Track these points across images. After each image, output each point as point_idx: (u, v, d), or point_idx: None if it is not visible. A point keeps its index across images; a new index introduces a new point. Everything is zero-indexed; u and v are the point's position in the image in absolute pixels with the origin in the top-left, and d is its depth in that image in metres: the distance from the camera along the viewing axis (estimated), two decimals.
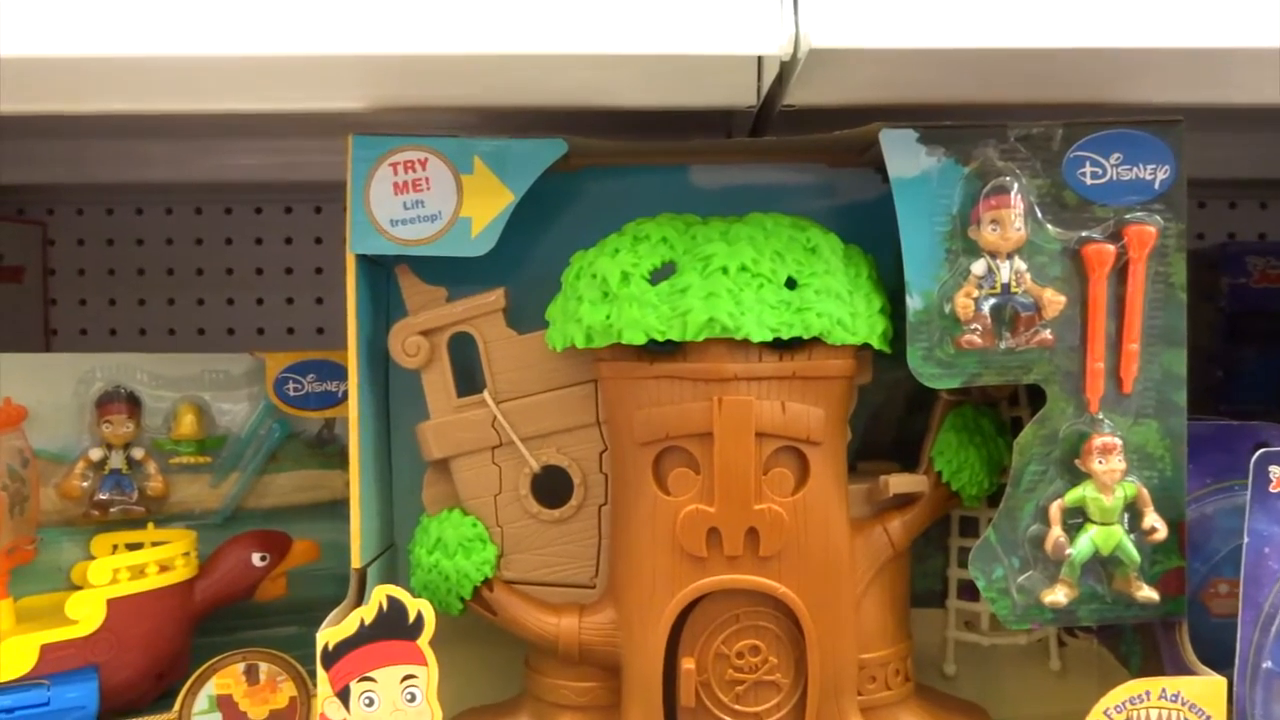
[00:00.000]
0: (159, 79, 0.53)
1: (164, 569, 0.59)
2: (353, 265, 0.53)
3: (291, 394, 0.65)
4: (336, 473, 0.69)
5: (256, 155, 0.85)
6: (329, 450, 0.69)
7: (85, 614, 0.56)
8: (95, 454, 0.63)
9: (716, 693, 0.49)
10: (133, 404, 0.64)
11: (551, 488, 0.54)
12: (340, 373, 0.66)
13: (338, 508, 0.69)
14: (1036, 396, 0.52)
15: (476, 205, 0.53)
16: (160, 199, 0.94)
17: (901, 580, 0.54)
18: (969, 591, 0.57)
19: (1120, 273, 0.50)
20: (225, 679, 0.58)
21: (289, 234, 0.94)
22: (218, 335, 0.94)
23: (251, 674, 0.58)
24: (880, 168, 0.55)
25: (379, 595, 0.48)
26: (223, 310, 0.94)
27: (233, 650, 0.58)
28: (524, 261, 0.57)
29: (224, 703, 0.58)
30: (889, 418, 0.59)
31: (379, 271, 0.57)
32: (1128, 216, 0.50)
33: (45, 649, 0.55)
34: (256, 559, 0.62)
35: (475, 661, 0.57)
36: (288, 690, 0.59)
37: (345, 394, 0.66)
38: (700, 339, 0.48)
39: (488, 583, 0.53)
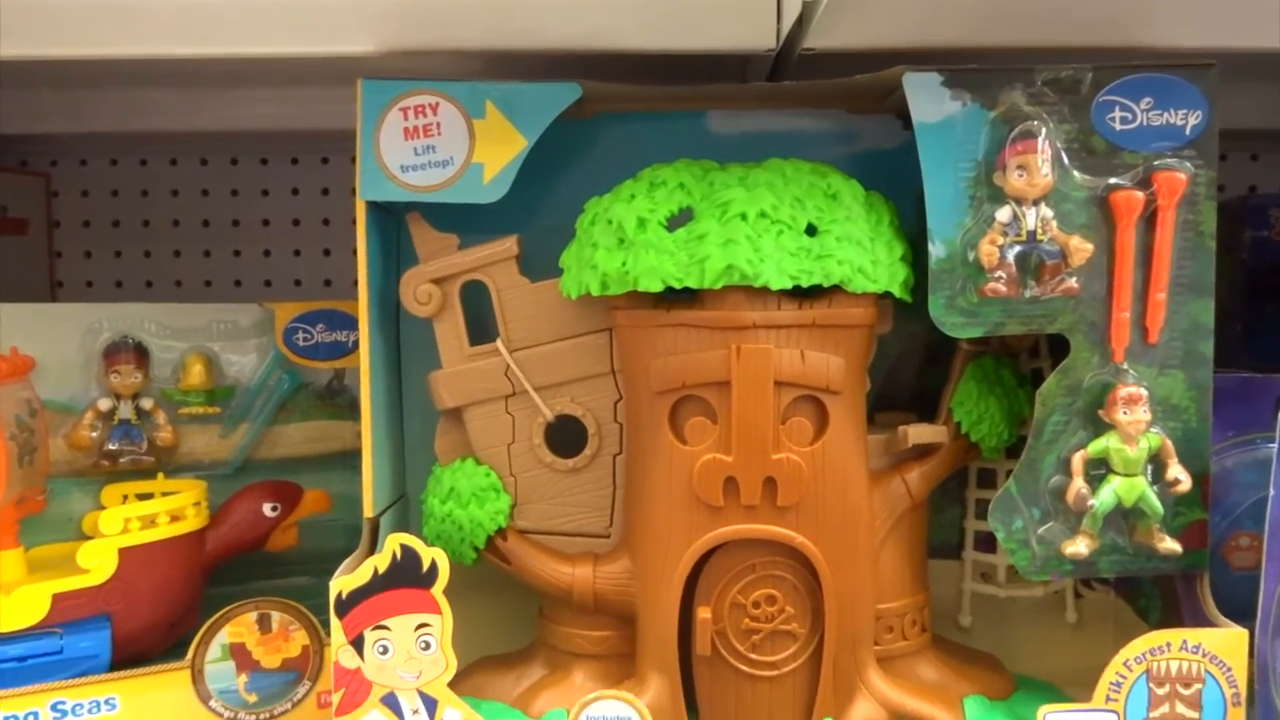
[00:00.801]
0: (163, 21, 0.52)
1: (175, 519, 0.59)
2: (363, 212, 0.52)
3: (301, 344, 0.64)
4: (346, 424, 0.69)
5: (262, 105, 0.83)
6: (338, 401, 0.69)
7: (97, 563, 0.56)
8: (104, 404, 0.63)
9: (732, 642, 0.49)
10: (140, 354, 0.63)
11: (565, 437, 0.54)
12: (349, 322, 0.65)
13: (347, 458, 0.68)
14: (1057, 349, 0.51)
15: (489, 151, 0.51)
16: (165, 150, 0.93)
17: (919, 531, 0.54)
18: (985, 543, 0.57)
19: (1148, 221, 0.49)
20: (238, 628, 0.58)
21: (295, 185, 0.92)
22: (225, 287, 0.93)
23: (264, 623, 0.58)
24: (901, 114, 0.54)
25: (392, 544, 0.47)
26: (230, 262, 0.93)
27: (245, 600, 0.58)
28: (537, 209, 0.56)
29: (237, 651, 0.58)
30: (907, 369, 0.58)
31: (389, 219, 0.56)
32: (1157, 163, 0.49)
33: (57, 598, 0.55)
34: (268, 509, 0.62)
35: (488, 611, 0.56)
36: (300, 639, 0.59)
37: (355, 344, 0.65)
38: (718, 286, 0.47)
39: (501, 532, 0.53)
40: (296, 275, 0.93)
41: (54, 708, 0.54)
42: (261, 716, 0.58)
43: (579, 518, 0.54)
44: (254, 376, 0.66)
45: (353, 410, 0.69)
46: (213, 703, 0.57)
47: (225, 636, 0.57)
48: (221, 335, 0.66)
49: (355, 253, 0.92)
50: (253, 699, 0.58)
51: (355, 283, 0.93)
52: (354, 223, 0.93)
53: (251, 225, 0.93)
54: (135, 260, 0.93)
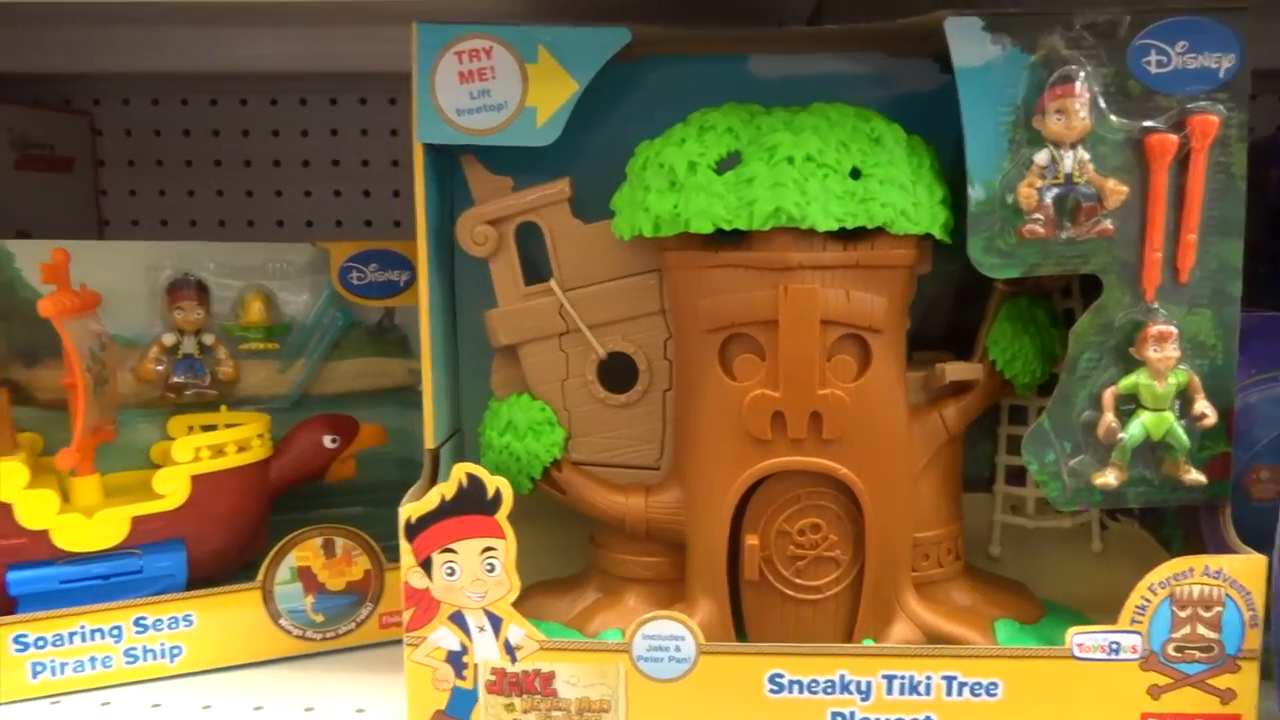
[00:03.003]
0: None
1: (242, 449, 0.62)
2: (420, 155, 0.54)
3: (355, 283, 0.66)
4: (396, 360, 0.71)
5: (301, 44, 0.85)
6: (389, 339, 0.71)
7: (172, 489, 0.59)
8: (168, 339, 0.65)
9: (778, 567, 0.52)
10: (201, 291, 0.65)
11: (616, 373, 0.56)
12: (401, 262, 0.67)
13: (397, 394, 0.71)
14: (1089, 290, 0.53)
15: (542, 94, 0.53)
16: (205, 90, 0.94)
17: (955, 464, 0.56)
18: (1016, 478, 0.59)
19: (1181, 163, 0.51)
20: (305, 552, 0.61)
21: (334, 126, 0.94)
22: (267, 226, 0.95)
23: (329, 548, 0.61)
24: (940, 58, 0.55)
25: (458, 473, 0.50)
26: (272, 202, 0.95)
27: (310, 526, 0.61)
28: (585, 150, 0.57)
29: (304, 574, 0.61)
30: (942, 308, 0.60)
31: (441, 160, 0.58)
32: (1190, 106, 0.50)
33: (136, 521, 0.58)
34: (328, 441, 0.65)
35: (542, 539, 0.59)
36: (362, 564, 0.62)
37: (406, 283, 0.67)
38: (766, 228, 0.49)
39: (556, 464, 0.55)
40: (336, 215, 0.95)
41: (136, 622, 0.58)
42: (327, 634, 0.62)
43: (630, 450, 0.56)
44: (309, 314, 0.69)
45: (402, 348, 0.71)
46: (282, 621, 0.61)
47: (293, 560, 0.61)
48: (277, 274, 0.68)
49: (394, 193, 0.95)
50: (319, 619, 0.61)
51: (395, 222, 0.95)
52: (393, 164, 0.95)
53: (292, 165, 0.94)
54: (179, 199, 0.96)
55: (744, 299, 0.50)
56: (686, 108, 0.54)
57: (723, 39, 0.58)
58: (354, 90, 0.93)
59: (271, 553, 0.60)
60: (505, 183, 0.56)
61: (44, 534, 0.56)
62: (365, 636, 0.63)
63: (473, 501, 0.50)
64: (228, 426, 0.65)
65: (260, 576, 0.60)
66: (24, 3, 0.55)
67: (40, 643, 0.56)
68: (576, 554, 0.60)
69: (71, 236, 0.88)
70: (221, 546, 0.61)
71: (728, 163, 0.51)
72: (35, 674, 0.56)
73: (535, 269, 0.57)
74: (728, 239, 0.51)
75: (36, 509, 0.56)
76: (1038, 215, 0.50)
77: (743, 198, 0.49)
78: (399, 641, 0.62)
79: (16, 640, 0.56)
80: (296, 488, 0.66)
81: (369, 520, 0.64)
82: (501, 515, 0.50)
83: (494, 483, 0.50)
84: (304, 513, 0.67)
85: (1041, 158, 0.50)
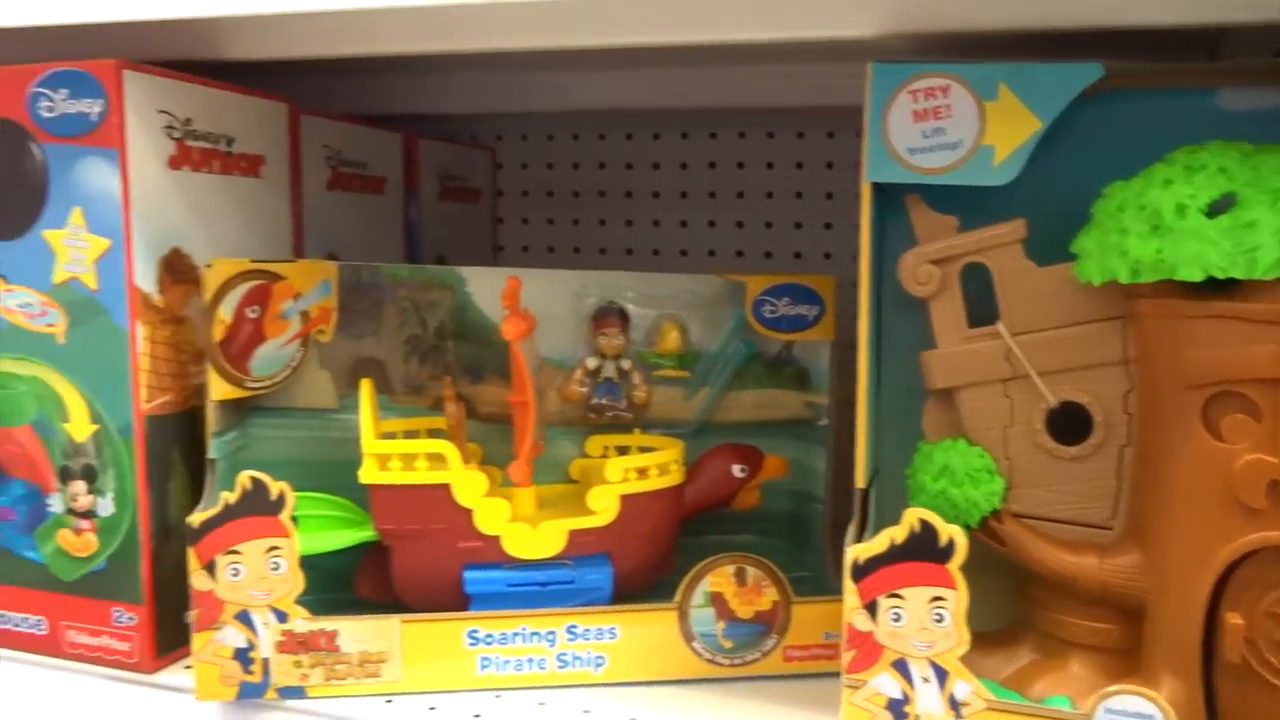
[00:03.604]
0: (641, 11, 0.56)
1: (663, 472, 0.64)
2: (868, 194, 0.54)
3: (767, 315, 0.68)
4: (792, 393, 0.72)
5: (680, 82, 0.89)
6: (785, 371, 0.72)
7: (603, 506, 0.62)
8: (591, 363, 0.69)
9: (1264, 653, 0.47)
10: (623, 318, 0.69)
11: (1064, 423, 0.53)
12: (812, 297, 0.68)
13: (792, 426, 0.72)
14: None
15: (1000, 133, 0.52)
16: (593, 124, 1.00)
17: None
18: None
19: None
20: (718, 578, 0.62)
21: (712, 159, 0.97)
22: (644, 254, 1.00)
23: (740, 576, 0.63)
24: None
25: (910, 518, 0.49)
26: (648, 231, 0.99)
27: (720, 554, 0.63)
28: (1036, 190, 0.55)
29: (716, 599, 0.62)
30: None
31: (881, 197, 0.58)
32: None
33: (572, 534, 0.62)
34: (737, 470, 0.66)
35: None
36: (770, 595, 0.63)
37: (815, 318, 0.68)
38: (1270, 278, 0.45)
39: (996, 514, 0.53)
40: (709, 246, 0.98)
41: (569, 630, 0.61)
42: (734, 661, 0.63)
43: (1077, 506, 0.53)
44: (716, 343, 0.71)
45: (798, 381, 0.72)
46: (695, 643, 0.62)
47: (707, 585, 0.62)
48: (687, 304, 0.71)
49: (765, 225, 0.97)
50: (729, 645, 0.63)
51: (763, 254, 0.97)
52: (767, 196, 0.97)
53: (669, 194, 0.98)
54: (564, 227, 1.02)
55: (1239, 354, 0.46)
56: (1150, 144, 0.51)
57: (1192, 72, 0.55)
58: (759, 124, 0.95)
59: (689, 576, 0.62)
60: (951, 222, 0.55)
61: (496, 540, 0.61)
62: (768, 667, 0.63)
63: (923, 548, 0.49)
64: (640, 450, 0.68)
65: (677, 598, 0.62)
66: (440, 54, 0.61)
67: (489, 639, 0.61)
68: (986, 605, 0.57)
69: (470, 261, 0.96)
70: (640, 565, 0.64)
71: (1219, 205, 0.47)
72: (482, 668, 0.61)
73: (972, 311, 0.55)
74: (1216, 288, 0.47)
75: (493, 516, 0.61)
76: None
77: (1241, 244, 0.45)
78: (801, 676, 0.62)
79: (470, 635, 0.60)
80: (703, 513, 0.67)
81: (758, 550, 0.65)
82: (954, 565, 0.49)
83: (948, 531, 0.49)
84: (696, 537, 0.69)
85: None
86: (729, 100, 0.88)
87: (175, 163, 0.61)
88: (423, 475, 0.60)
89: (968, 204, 0.55)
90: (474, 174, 0.99)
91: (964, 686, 0.49)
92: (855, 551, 0.50)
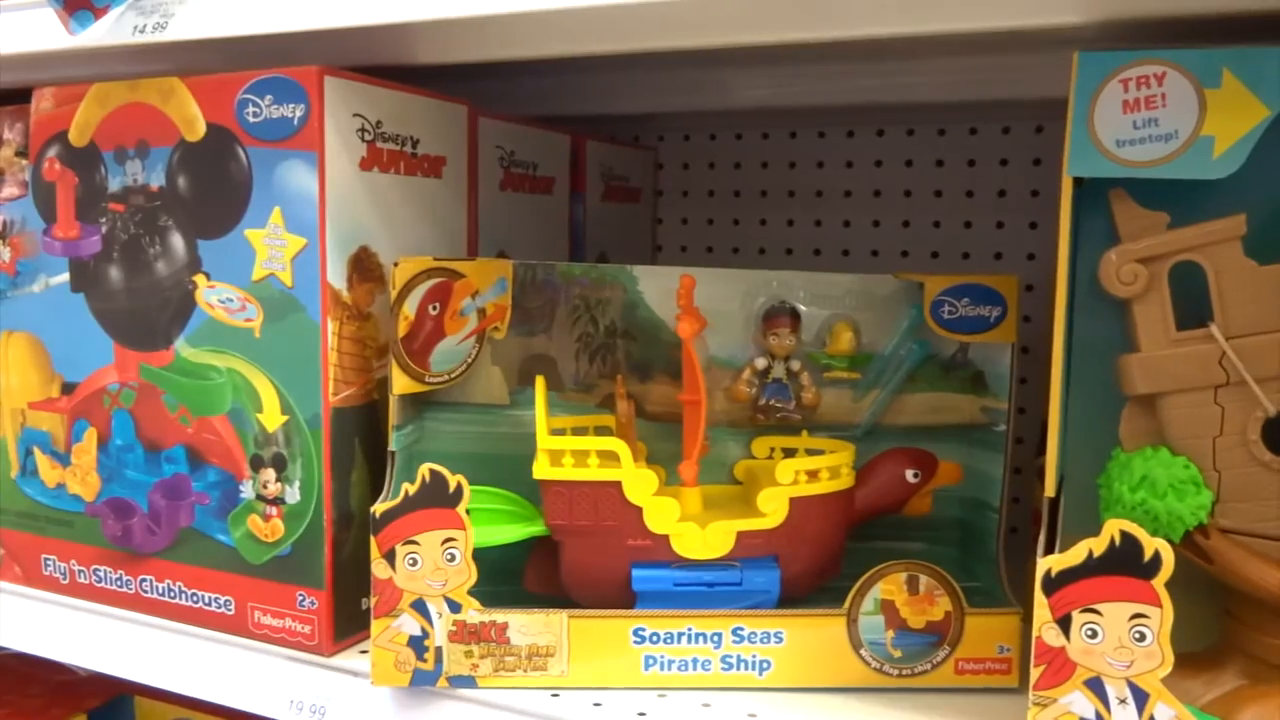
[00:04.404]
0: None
1: (833, 476, 0.63)
2: (1069, 188, 0.51)
3: (945, 316, 0.65)
4: (967, 397, 0.69)
5: (841, 79, 0.87)
6: (960, 374, 0.69)
7: (773, 508, 0.61)
8: (760, 363, 0.68)
9: None
10: (795, 318, 0.68)
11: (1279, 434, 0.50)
12: (994, 297, 0.65)
13: (965, 431, 0.69)
14: None
15: (1221, 122, 0.48)
16: (756, 123, 0.99)
17: None
18: None
19: None
20: (889, 585, 0.61)
21: (878, 158, 0.95)
22: (804, 254, 0.98)
23: (912, 584, 0.61)
24: None
25: (1111, 529, 0.47)
26: (810, 230, 0.97)
27: (892, 560, 0.61)
28: (1254, 184, 0.51)
29: (886, 607, 0.61)
30: None
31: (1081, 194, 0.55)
32: None
33: (740, 535, 0.61)
34: (910, 475, 0.64)
35: None
36: (944, 604, 0.61)
37: (996, 319, 0.65)
38: None
39: (1202, 528, 0.50)
40: (873, 245, 0.96)
41: (734, 632, 0.61)
42: (903, 671, 0.61)
43: None
44: (888, 344, 0.69)
45: (973, 384, 0.69)
46: (863, 651, 0.61)
47: (878, 592, 0.61)
48: (859, 304, 0.69)
49: (934, 225, 0.94)
50: (898, 654, 0.61)
51: (929, 254, 0.94)
52: (936, 195, 0.94)
53: (835, 195, 0.97)
54: (724, 227, 1.02)
55: None
56: None
57: None
58: (931, 120, 0.93)
59: (859, 582, 0.60)
60: (1160, 219, 0.52)
61: (665, 539, 0.61)
62: (939, 679, 0.61)
63: (1125, 561, 0.46)
64: (808, 452, 0.66)
65: (846, 604, 0.61)
66: (606, 55, 0.61)
67: (654, 638, 0.60)
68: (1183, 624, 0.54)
69: (629, 260, 0.97)
70: (807, 569, 0.63)
71: None
72: (647, 666, 0.61)
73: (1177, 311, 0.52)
74: None
75: (662, 515, 0.61)
76: None
77: None
78: (972, 690, 0.60)
79: (635, 633, 0.61)
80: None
81: (928, 558, 0.63)
82: (1159, 581, 0.46)
83: (1152, 544, 0.46)
84: (863, 542, 0.67)
85: None
86: (898, 96, 0.85)
87: (366, 164, 0.64)
88: (595, 472, 0.61)
89: (1175, 199, 0.52)
90: (636, 174, 1.00)
91: (1166, 710, 0.46)
92: (1049, 563, 0.48)
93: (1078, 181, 0.53)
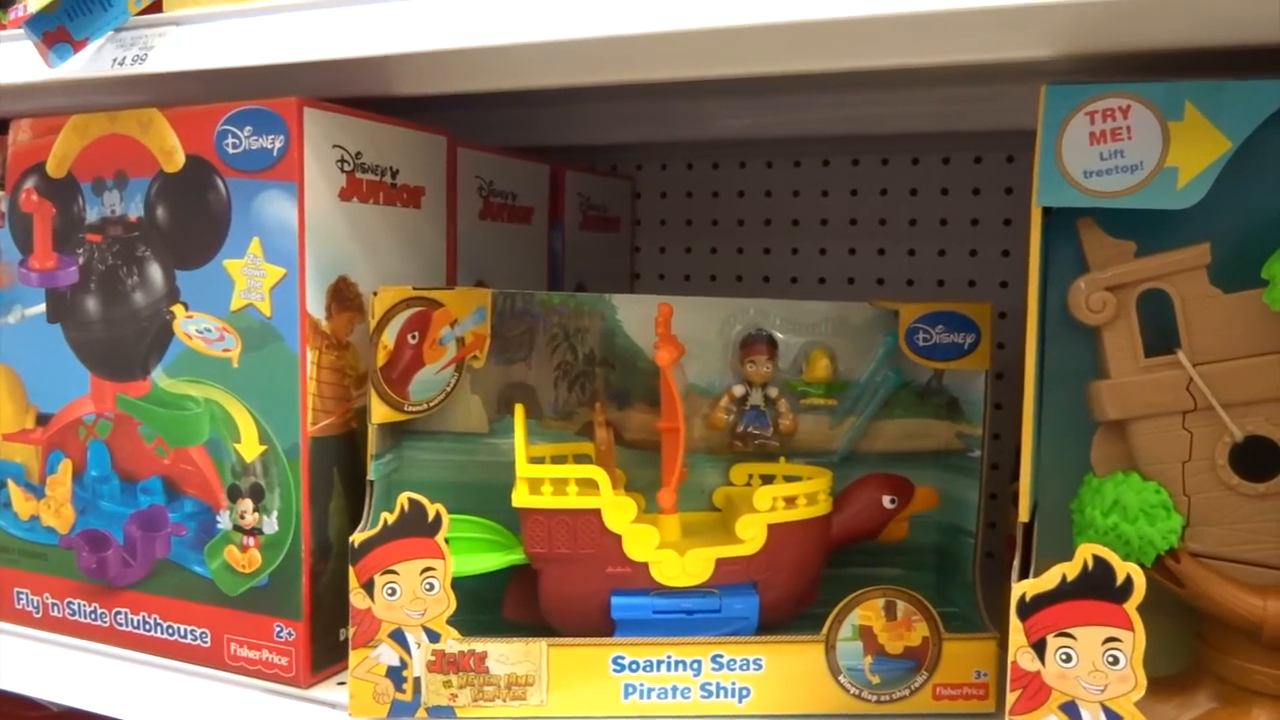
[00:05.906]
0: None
1: (810, 502, 0.63)
2: (1038, 218, 0.52)
3: (920, 343, 0.66)
4: (942, 423, 0.70)
5: (821, 109, 0.88)
6: (935, 400, 0.70)
7: (751, 535, 0.62)
8: (738, 390, 0.69)
9: None
10: (772, 346, 0.69)
11: (1250, 459, 0.51)
12: (968, 325, 0.66)
13: (940, 457, 0.70)
14: None
15: (1185, 154, 0.49)
16: (733, 153, 1.00)
17: None
18: None
19: None
20: (867, 611, 0.61)
21: (854, 186, 0.96)
22: (781, 282, 0.99)
23: (890, 610, 0.61)
24: None
25: (1084, 554, 0.47)
26: (787, 258, 0.98)
27: (870, 586, 0.61)
28: (1217, 213, 0.52)
29: (865, 633, 0.61)
30: None
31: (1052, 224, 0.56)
32: None
33: (719, 562, 0.61)
34: (886, 501, 0.65)
35: None
36: (921, 630, 0.61)
37: (970, 346, 0.66)
38: None
39: (1173, 553, 0.51)
40: (849, 274, 0.97)
41: (714, 659, 0.61)
42: (882, 698, 0.61)
43: (1264, 547, 0.50)
44: (864, 371, 0.70)
45: (948, 410, 0.70)
46: (841, 677, 0.61)
47: (856, 618, 0.61)
48: (835, 331, 0.70)
49: (909, 253, 0.95)
50: (876, 680, 0.61)
51: (905, 282, 0.95)
52: (911, 223, 0.95)
53: (811, 224, 0.98)
54: (702, 256, 1.02)
55: None
56: None
57: None
58: (903, 150, 0.94)
59: (836, 608, 0.61)
60: (1128, 247, 0.53)
61: (644, 566, 0.61)
62: (917, 706, 0.61)
63: (1097, 586, 0.47)
64: (785, 478, 0.67)
65: (824, 630, 0.61)
66: (583, 86, 0.62)
67: (634, 666, 0.60)
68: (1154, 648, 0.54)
69: (607, 289, 0.97)
70: (785, 594, 0.63)
71: None
72: (627, 694, 0.61)
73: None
74: None
75: (642, 542, 0.61)
76: None
77: None
78: (951, 715, 0.60)
79: (615, 661, 0.61)
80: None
81: (904, 584, 0.63)
82: (1131, 605, 0.47)
83: (1125, 568, 0.47)
84: (840, 568, 0.68)
85: None
86: (872, 127, 0.87)
87: (345, 194, 0.64)
88: (574, 500, 0.61)
89: (1142, 228, 0.53)
90: (614, 203, 1.00)
91: None
92: (1023, 587, 0.48)
93: (1047, 211, 0.54)
